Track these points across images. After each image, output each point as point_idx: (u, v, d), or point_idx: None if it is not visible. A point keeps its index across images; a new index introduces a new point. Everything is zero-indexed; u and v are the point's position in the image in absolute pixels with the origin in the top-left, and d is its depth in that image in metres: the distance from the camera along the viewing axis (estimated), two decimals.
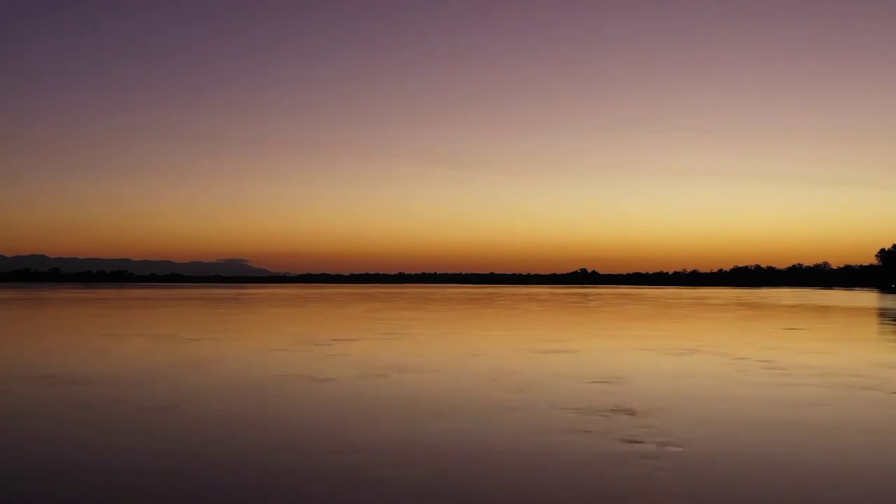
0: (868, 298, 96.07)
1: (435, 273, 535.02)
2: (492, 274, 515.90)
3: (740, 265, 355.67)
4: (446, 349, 24.10)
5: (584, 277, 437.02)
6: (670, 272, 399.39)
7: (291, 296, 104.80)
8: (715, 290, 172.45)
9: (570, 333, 31.67)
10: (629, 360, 20.80)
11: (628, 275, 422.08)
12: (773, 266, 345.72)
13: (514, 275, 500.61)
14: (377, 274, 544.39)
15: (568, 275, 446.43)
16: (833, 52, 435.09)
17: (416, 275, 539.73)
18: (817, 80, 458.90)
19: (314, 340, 27.19)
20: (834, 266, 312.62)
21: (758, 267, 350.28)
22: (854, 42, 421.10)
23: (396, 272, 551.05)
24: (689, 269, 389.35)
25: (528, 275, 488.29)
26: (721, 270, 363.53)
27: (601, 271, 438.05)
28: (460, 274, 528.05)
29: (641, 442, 10.25)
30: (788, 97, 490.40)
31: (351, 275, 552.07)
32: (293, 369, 18.46)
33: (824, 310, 59.11)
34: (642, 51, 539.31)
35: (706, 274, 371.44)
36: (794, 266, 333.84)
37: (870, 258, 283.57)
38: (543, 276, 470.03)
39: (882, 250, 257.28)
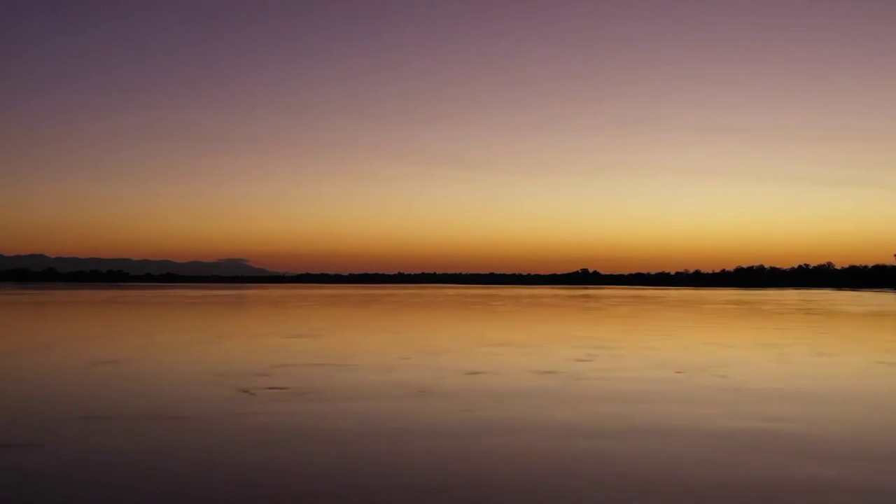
0: None
1: (434, 273, 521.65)
2: (492, 274, 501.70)
3: (743, 265, 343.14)
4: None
5: (584, 277, 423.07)
6: (672, 272, 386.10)
7: (263, 297, 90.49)
8: (722, 291, 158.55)
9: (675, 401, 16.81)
10: None
11: (630, 275, 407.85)
12: (777, 266, 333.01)
13: (514, 275, 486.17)
14: (377, 274, 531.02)
15: (569, 275, 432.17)
16: (833, 52, 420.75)
17: (415, 275, 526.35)
18: (817, 80, 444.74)
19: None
20: (838, 266, 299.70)
21: (761, 267, 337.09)
22: (854, 42, 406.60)
23: (396, 272, 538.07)
24: (691, 270, 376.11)
25: (529, 275, 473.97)
26: (724, 270, 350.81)
27: (602, 271, 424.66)
28: (460, 274, 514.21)
29: None
30: (788, 97, 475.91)
31: (350, 275, 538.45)
32: None
33: None
34: (642, 51, 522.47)
35: (709, 274, 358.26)
36: (798, 266, 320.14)
37: (873, 258, 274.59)
38: (544, 276, 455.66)
39: None
